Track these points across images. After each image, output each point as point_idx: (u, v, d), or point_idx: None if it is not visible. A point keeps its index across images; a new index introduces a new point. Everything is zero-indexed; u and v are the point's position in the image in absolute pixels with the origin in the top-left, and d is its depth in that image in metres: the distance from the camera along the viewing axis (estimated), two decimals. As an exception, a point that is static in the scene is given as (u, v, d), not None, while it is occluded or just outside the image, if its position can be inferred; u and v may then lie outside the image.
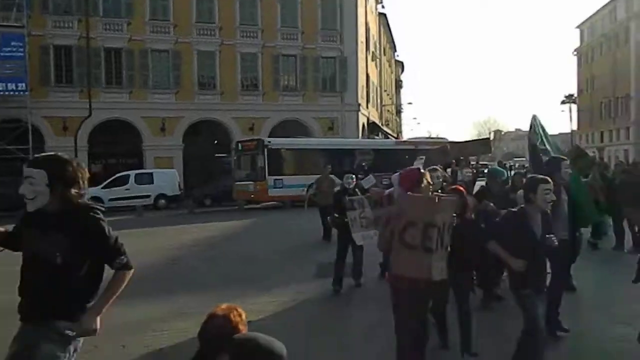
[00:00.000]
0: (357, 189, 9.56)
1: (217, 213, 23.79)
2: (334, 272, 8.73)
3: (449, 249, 4.58)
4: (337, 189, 11.61)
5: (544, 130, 8.44)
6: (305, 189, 25.17)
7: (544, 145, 8.08)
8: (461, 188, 6.06)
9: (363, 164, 27.18)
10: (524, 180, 8.77)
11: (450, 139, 34.17)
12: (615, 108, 60.38)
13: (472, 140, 20.39)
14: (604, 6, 63.45)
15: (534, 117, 8.52)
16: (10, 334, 3.07)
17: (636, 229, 11.24)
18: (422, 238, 4.34)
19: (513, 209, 4.93)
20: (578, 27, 72.06)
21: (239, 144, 28.13)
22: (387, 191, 9.36)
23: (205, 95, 33.77)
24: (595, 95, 65.45)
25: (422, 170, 5.25)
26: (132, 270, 3.20)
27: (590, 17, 68.00)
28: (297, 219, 18.62)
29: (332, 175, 16.22)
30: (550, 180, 4.72)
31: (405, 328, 4.60)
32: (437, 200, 4.57)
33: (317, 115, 35.52)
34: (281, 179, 25.78)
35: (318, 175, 25.05)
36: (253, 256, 12.21)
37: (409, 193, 4.89)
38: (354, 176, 9.88)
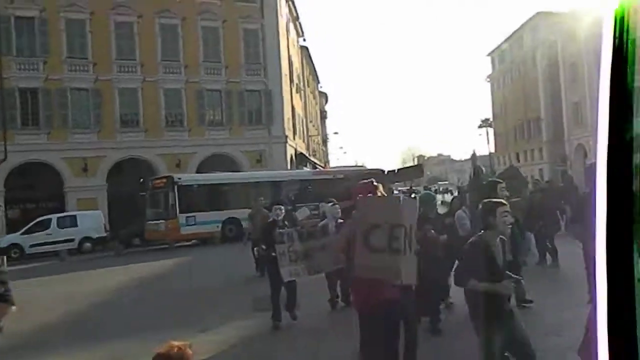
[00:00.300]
0: (286, 222, 9.36)
1: (147, 253, 23.12)
2: (271, 305, 8.63)
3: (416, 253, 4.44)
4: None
5: None
6: (220, 225, 25.05)
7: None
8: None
9: (290, 194, 26.65)
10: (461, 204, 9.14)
11: (376, 165, 34.88)
12: (528, 130, 63.68)
13: (407, 167, 21.32)
14: (512, 34, 67.24)
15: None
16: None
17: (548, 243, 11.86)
18: (389, 240, 4.13)
19: (471, 240, 4.58)
20: (489, 54, 75.93)
21: (150, 182, 27.18)
22: (320, 223, 9.43)
23: (129, 133, 32.98)
24: (509, 119, 68.82)
25: (375, 183, 5.14)
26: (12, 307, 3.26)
27: (499, 45, 71.75)
28: (230, 254, 18.34)
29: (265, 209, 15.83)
30: (506, 202, 4.63)
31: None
32: (400, 200, 4.49)
33: (245, 149, 35.38)
34: (194, 216, 24.95)
35: (233, 210, 24.94)
36: (186, 294, 11.86)
37: (370, 195, 4.72)
38: (282, 207, 9.58)
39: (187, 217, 24.82)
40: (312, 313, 9.12)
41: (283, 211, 9.34)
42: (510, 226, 4.52)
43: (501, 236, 4.45)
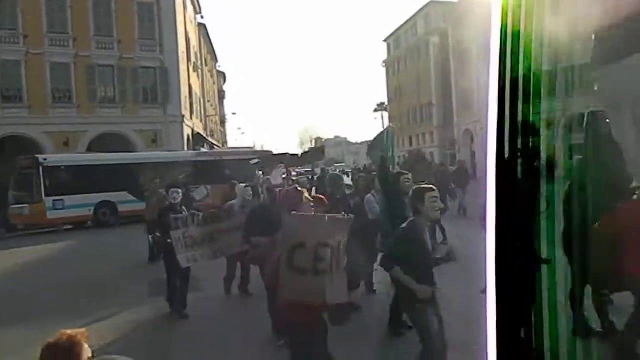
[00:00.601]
0: (183, 206, 8.73)
1: (33, 236, 21.73)
2: (167, 293, 8.41)
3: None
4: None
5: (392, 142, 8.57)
6: (92, 209, 23.76)
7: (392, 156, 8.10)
8: (322, 197, 5.99)
9: (174, 176, 24.40)
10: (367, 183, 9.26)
11: (275, 147, 34.88)
12: (420, 114, 66.21)
13: (309, 150, 21.34)
14: (406, 21, 69.32)
15: (387, 129, 8.57)
16: None
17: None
18: (314, 260, 3.96)
19: (403, 226, 4.52)
20: (385, 40, 77.89)
21: (16, 163, 24.65)
22: (227, 204, 9.26)
23: (10, 109, 30.64)
24: (403, 103, 71.16)
25: (299, 189, 5.16)
26: None
27: (395, 31, 73.83)
28: (120, 237, 17.69)
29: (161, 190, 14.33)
30: (435, 188, 4.53)
31: None
32: (326, 219, 4.23)
33: (139, 128, 34.04)
34: (62, 200, 23.24)
35: (107, 193, 23.86)
36: (78, 281, 11.35)
37: (293, 212, 4.59)
38: (180, 190, 8.87)
39: (54, 200, 23.13)
40: (211, 297, 9.08)
41: (180, 194, 8.75)
42: (438, 211, 4.47)
43: (432, 222, 4.58)
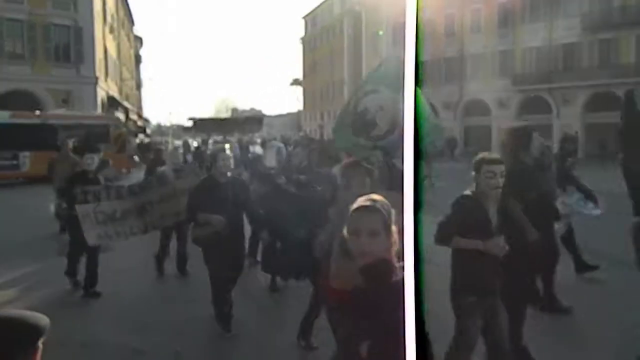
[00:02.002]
0: (101, 175, 7.45)
1: None
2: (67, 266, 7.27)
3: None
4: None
5: None
6: None
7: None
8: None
9: None
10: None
11: (191, 115, 33.69)
12: (333, 90, 66.74)
13: (246, 117, 18.82)
14: (324, 2, 69.17)
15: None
16: None
17: None
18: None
19: (462, 195, 3.83)
20: (303, 17, 77.40)
21: None
22: (158, 170, 8.06)
23: None
24: (317, 80, 71.35)
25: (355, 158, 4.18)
26: None
27: (313, 10, 73.54)
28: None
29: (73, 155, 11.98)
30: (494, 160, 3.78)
31: None
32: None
33: (50, 87, 31.94)
34: None
35: None
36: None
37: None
38: (95, 156, 7.30)
39: None
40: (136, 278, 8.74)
41: (96, 160, 7.25)
42: (494, 189, 3.73)
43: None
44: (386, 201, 2.30)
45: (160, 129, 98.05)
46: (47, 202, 10.36)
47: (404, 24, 1.40)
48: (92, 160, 7.17)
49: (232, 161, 5.67)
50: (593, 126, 35.41)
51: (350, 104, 6.48)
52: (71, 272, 7.24)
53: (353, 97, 6.57)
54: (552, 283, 5.87)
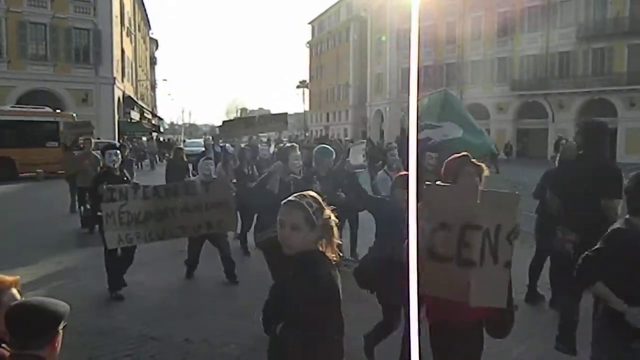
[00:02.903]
0: (125, 171, 7.12)
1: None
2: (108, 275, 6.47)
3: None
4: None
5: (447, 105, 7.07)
6: None
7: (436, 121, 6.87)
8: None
9: None
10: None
11: (203, 115, 33.68)
12: (338, 93, 66.68)
13: (273, 114, 17.72)
14: (331, 7, 69.08)
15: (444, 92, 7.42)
16: None
17: None
18: (458, 246, 2.76)
19: (617, 228, 2.96)
20: (310, 23, 77.30)
21: None
22: (187, 180, 7.74)
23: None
24: (323, 82, 71.28)
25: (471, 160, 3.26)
26: None
27: (320, 15, 73.46)
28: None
29: (96, 152, 11.13)
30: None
31: None
32: (479, 193, 2.81)
33: (70, 87, 32.11)
34: None
35: None
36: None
37: (437, 183, 3.03)
38: (119, 152, 6.88)
39: None
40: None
41: (120, 157, 6.75)
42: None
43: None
44: (318, 198, 2.34)
45: (173, 127, 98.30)
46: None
47: (407, 30, 1.42)
48: (116, 157, 6.65)
49: (300, 162, 5.52)
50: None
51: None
52: (114, 285, 6.37)
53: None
54: None
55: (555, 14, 38.00)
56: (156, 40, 73.92)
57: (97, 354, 4.78)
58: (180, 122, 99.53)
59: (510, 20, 40.58)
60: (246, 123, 13.29)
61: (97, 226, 8.14)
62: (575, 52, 37.29)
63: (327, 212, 2.30)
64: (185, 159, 10.88)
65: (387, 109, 50.96)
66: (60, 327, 1.93)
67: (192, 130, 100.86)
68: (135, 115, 44.09)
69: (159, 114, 72.39)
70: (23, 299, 2.03)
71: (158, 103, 78.98)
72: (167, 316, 5.70)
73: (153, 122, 54.89)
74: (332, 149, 6.36)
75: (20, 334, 1.87)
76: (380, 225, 4.39)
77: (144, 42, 60.17)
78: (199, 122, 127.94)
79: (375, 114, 55.19)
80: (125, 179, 6.71)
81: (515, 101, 40.84)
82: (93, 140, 12.37)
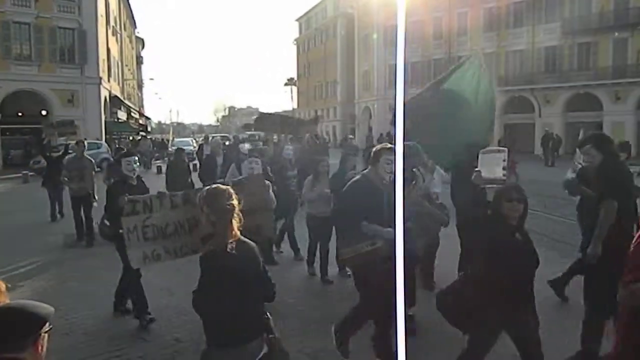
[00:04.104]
0: (142, 180, 6.07)
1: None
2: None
3: None
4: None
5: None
6: None
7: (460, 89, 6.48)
8: None
9: None
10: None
11: (190, 114, 33.55)
12: (326, 90, 66.65)
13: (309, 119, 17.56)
14: (318, 4, 68.93)
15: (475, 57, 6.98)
16: None
17: None
18: None
19: None
20: (297, 20, 77.13)
21: None
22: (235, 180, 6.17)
23: None
24: (311, 79, 71.19)
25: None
26: None
27: (307, 12, 73.25)
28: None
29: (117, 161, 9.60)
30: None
31: None
32: None
33: (55, 87, 31.75)
34: None
35: None
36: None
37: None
38: (137, 159, 6.05)
39: None
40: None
41: (137, 166, 5.97)
42: None
43: None
44: (211, 194, 2.85)
45: (161, 127, 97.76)
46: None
47: (394, 26, 1.41)
48: (135, 165, 5.88)
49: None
50: (572, 125, 35.55)
51: None
52: (142, 309, 5.63)
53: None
54: None
55: (541, 10, 38.21)
56: (142, 40, 73.39)
57: (86, 355, 4.75)
58: (168, 122, 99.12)
59: (496, 16, 40.78)
60: (282, 122, 13.54)
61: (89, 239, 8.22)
62: (561, 47, 37.54)
63: None
64: (186, 160, 10.81)
65: (375, 105, 51.03)
66: (44, 329, 1.90)
67: (179, 129, 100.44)
68: (122, 115, 43.75)
69: (147, 113, 71.97)
70: (6, 303, 2.00)
71: (145, 102, 78.52)
72: (156, 316, 5.66)
73: (140, 121, 54.54)
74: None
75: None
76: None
77: (130, 41, 59.72)
78: (186, 122, 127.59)
79: (363, 111, 55.25)
80: (145, 188, 5.89)
81: (502, 96, 41.02)
82: (82, 141, 11.41)
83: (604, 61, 35.34)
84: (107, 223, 5.76)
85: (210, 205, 2.86)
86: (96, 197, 9.63)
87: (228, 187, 3.15)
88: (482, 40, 42.04)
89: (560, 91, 37.37)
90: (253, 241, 4.33)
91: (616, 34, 34.14)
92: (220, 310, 2.77)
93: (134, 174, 5.80)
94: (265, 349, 2.91)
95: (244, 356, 2.80)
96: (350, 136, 23.56)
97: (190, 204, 5.22)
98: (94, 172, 10.15)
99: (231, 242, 2.82)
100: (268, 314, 3.03)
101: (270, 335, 2.97)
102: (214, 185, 3.09)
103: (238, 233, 2.91)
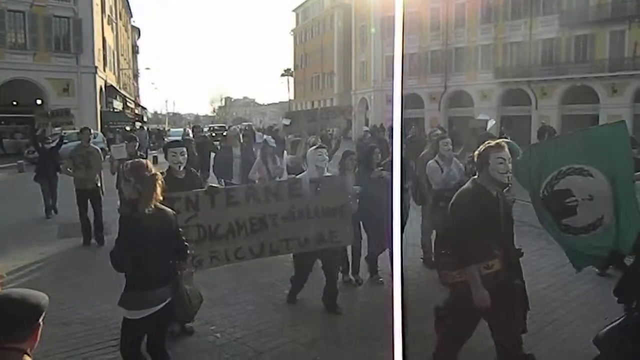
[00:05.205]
0: (193, 172, 5.41)
1: None
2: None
3: None
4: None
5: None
6: None
7: None
8: None
9: None
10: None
11: (187, 104, 33.42)
12: (323, 82, 66.43)
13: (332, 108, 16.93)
14: (314, -5, 68.61)
15: None
16: None
17: None
18: None
19: None
20: (294, 10, 76.71)
21: None
22: (291, 179, 5.59)
23: None
24: (308, 70, 70.92)
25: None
26: None
27: (304, 2, 72.83)
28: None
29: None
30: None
31: None
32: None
33: (50, 76, 31.57)
34: None
35: None
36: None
37: None
38: (185, 150, 5.17)
39: None
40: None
41: (184, 157, 5.14)
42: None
43: None
44: (135, 166, 3.48)
45: (157, 117, 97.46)
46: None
47: (391, 17, 1.41)
48: (182, 157, 5.07)
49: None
50: (569, 117, 35.59)
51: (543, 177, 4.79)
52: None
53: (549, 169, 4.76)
54: None
55: (539, 2, 38.12)
56: (138, 29, 72.85)
57: (82, 344, 4.76)
58: (164, 112, 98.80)
59: (494, 8, 40.65)
60: (308, 117, 12.69)
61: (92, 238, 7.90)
62: (559, 39, 37.50)
63: None
64: (196, 153, 9.20)
65: (372, 97, 50.92)
66: (41, 319, 1.92)
67: (175, 119, 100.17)
68: (117, 104, 43.56)
69: (142, 103, 71.65)
70: (4, 291, 2.01)
71: (141, 92, 78.12)
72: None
73: (136, 111, 54.34)
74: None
75: (1, 326, 1.85)
76: None
77: (126, 30, 59.31)
78: (182, 112, 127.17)
79: (360, 102, 55.14)
80: (196, 182, 5.15)
81: (499, 88, 41.01)
82: (92, 131, 10.29)
83: (600, 54, 35.34)
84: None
85: (135, 175, 3.41)
86: (104, 191, 8.96)
87: (147, 160, 3.75)
88: (479, 32, 41.95)
89: (557, 83, 37.37)
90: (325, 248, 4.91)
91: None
92: (135, 263, 3.33)
93: (181, 166, 5.06)
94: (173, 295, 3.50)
95: (153, 299, 3.39)
96: (365, 128, 22.08)
97: (252, 201, 4.69)
98: (101, 162, 9.12)
99: (151, 208, 3.38)
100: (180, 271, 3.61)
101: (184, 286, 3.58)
102: (135, 160, 3.72)
103: (159, 200, 3.47)
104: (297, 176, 5.60)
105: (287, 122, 11.38)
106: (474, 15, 42.05)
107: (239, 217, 4.59)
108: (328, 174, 5.59)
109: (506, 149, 3.51)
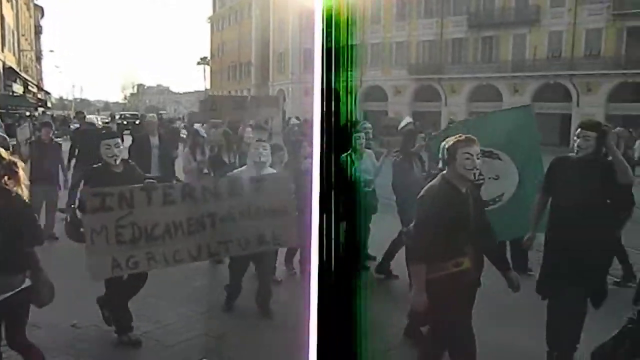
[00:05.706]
0: (132, 165, 4.83)
1: None
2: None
3: None
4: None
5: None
6: None
7: None
8: None
9: None
10: None
11: (96, 90, 31.76)
12: (240, 72, 65.55)
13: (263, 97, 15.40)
14: (233, -18, 67.38)
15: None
16: None
17: None
18: None
19: None
20: (211, -3, 75.07)
21: None
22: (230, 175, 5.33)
23: None
24: (225, 59, 69.66)
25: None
26: None
27: (222, -11, 71.47)
28: None
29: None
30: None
31: None
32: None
33: (-60, 55, 28.86)
34: None
35: None
36: None
37: None
38: (120, 142, 4.63)
39: None
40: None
41: (121, 148, 4.66)
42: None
43: None
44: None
45: (62, 102, 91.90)
46: None
47: (310, 10, 1.41)
48: (117, 150, 4.55)
49: None
50: (475, 114, 37.65)
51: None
52: (121, 329, 4.62)
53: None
54: None
55: (449, 2, 39.82)
56: (42, 8, 68.09)
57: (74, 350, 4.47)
58: (70, 97, 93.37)
59: (408, 6, 41.97)
60: (235, 104, 11.83)
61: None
62: (467, 39, 39.40)
63: None
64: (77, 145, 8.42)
65: (290, 89, 50.94)
66: None
67: (83, 106, 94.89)
68: (18, 88, 40.55)
69: (46, 87, 67.23)
70: None
71: (45, 76, 73.24)
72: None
73: (39, 96, 50.89)
74: None
75: None
76: None
77: (28, 8, 55.27)
78: (91, 98, 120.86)
79: (277, 93, 55.04)
80: (136, 177, 4.62)
81: (412, 84, 42.46)
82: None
83: (504, 54, 37.60)
84: (69, 217, 4.69)
85: None
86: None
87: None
88: (394, 29, 43.16)
89: (465, 82, 39.37)
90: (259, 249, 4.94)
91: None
92: None
93: (116, 159, 4.52)
94: (27, 283, 3.42)
95: (2, 285, 3.30)
96: (295, 120, 21.08)
97: (191, 200, 4.34)
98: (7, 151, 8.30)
99: None
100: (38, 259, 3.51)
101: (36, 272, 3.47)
102: None
103: (8, 186, 3.37)
104: (235, 171, 5.35)
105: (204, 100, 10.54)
106: (389, 12, 43.25)
107: (176, 217, 4.25)
108: (270, 170, 5.23)
109: (476, 144, 3.34)
